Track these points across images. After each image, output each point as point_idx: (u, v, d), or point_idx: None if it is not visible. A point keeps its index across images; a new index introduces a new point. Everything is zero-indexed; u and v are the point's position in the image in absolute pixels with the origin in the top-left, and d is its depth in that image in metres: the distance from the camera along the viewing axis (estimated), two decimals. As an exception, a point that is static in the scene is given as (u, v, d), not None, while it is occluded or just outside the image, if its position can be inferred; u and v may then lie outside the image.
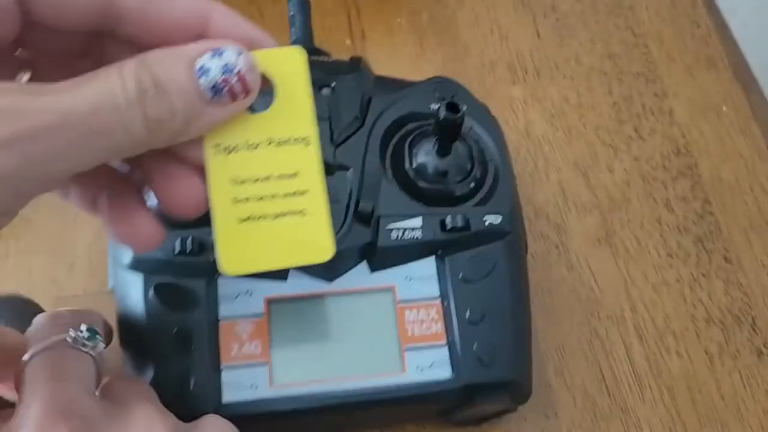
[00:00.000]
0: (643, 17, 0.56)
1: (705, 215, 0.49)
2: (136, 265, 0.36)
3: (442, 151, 0.39)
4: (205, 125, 0.25)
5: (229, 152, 0.26)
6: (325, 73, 0.40)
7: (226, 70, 0.24)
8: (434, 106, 0.40)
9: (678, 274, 0.47)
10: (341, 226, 0.36)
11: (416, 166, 0.39)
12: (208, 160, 0.26)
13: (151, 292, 0.35)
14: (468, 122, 0.40)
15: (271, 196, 0.26)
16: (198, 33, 0.25)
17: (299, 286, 0.37)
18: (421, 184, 0.38)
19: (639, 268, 0.47)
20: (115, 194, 0.27)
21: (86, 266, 0.45)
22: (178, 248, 0.35)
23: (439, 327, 0.36)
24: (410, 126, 0.40)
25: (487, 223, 0.38)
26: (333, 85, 0.40)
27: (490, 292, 0.37)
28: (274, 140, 0.26)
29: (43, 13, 0.24)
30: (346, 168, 0.38)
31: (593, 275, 0.47)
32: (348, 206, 0.37)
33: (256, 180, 0.26)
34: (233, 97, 0.25)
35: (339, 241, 0.35)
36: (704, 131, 0.52)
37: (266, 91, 0.27)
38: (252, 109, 0.26)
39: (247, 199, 0.26)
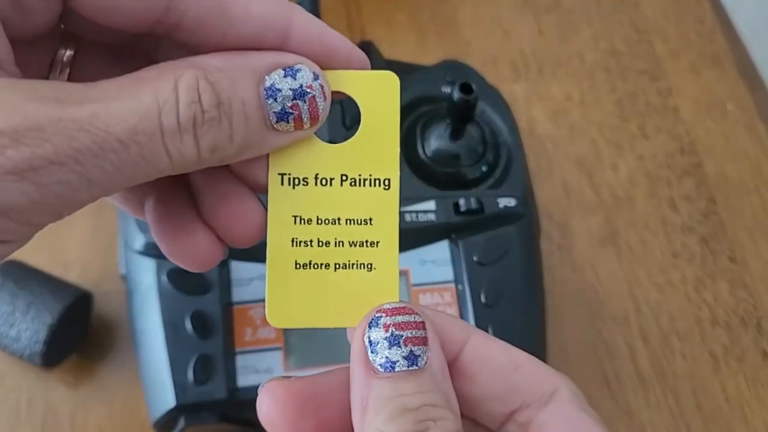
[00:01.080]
0: (647, 14, 0.56)
1: (710, 215, 0.48)
2: (149, 250, 0.36)
3: (455, 134, 0.39)
4: (257, 152, 0.21)
5: (296, 185, 0.22)
6: None
7: (299, 93, 0.21)
8: (446, 90, 0.41)
9: (683, 275, 0.46)
10: None
11: (429, 149, 0.39)
12: (270, 190, 0.22)
13: (164, 278, 0.35)
14: (480, 105, 0.40)
15: (337, 242, 0.23)
16: (276, 47, 0.21)
17: None
18: (434, 167, 0.39)
19: (643, 268, 0.46)
20: (165, 200, 0.23)
21: (80, 267, 0.45)
22: None
23: (453, 310, 0.37)
24: (422, 110, 0.41)
25: (500, 206, 0.38)
26: None
27: (505, 275, 0.37)
28: (350, 178, 0.23)
29: (85, 8, 0.20)
30: None
31: (597, 276, 0.46)
32: None
33: (323, 221, 0.23)
34: (298, 126, 0.21)
35: None
36: (709, 129, 0.51)
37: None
38: (330, 138, 0.23)
39: (308, 242, 0.23)
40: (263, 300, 0.37)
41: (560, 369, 0.45)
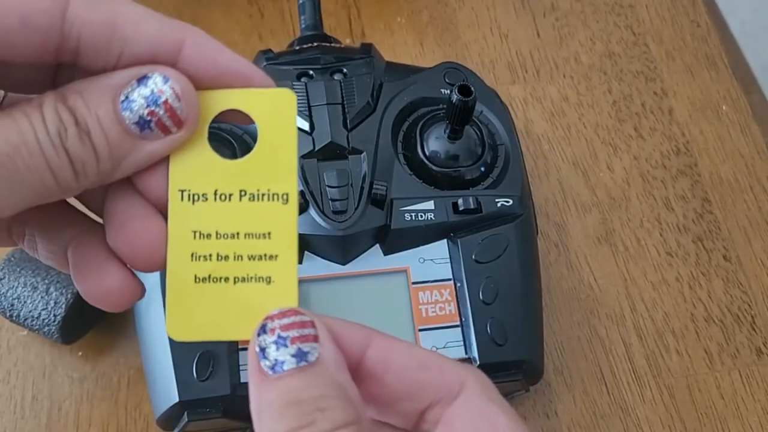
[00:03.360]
0: (643, 16, 0.56)
1: (705, 214, 0.49)
2: None
3: (454, 135, 0.39)
4: (139, 162, 0.22)
5: (195, 200, 0.23)
6: (337, 58, 0.41)
7: (152, 100, 0.21)
8: (445, 91, 0.42)
9: (677, 273, 0.47)
10: (355, 209, 0.37)
11: (428, 150, 0.40)
12: (170, 206, 0.23)
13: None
14: (478, 107, 0.41)
15: (236, 256, 0.23)
16: (169, 65, 0.22)
17: (314, 268, 0.37)
18: (433, 168, 0.39)
19: (639, 267, 0.47)
20: (83, 245, 0.24)
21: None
22: None
23: (452, 308, 0.37)
24: (421, 111, 0.41)
25: (498, 205, 0.39)
26: (345, 70, 0.41)
27: (502, 273, 0.38)
28: (249, 193, 0.23)
29: None
30: (359, 152, 0.39)
31: (593, 274, 0.47)
32: (362, 189, 0.37)
33: (222, 236, 0.23)
34: (164, 130, 0.22)
35: (353, 225, 0.37)
36: (704, 130, 0.52)
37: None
38: (229, 154, 0.24)
39: (207, 257, 0.23)
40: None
41: (556, 366, 0.46)
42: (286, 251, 0.23)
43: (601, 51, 0.55)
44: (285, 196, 0.23)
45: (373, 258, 0.38)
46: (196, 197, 0.23)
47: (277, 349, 0.21)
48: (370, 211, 0.37)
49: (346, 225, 0.37)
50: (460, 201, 0.38)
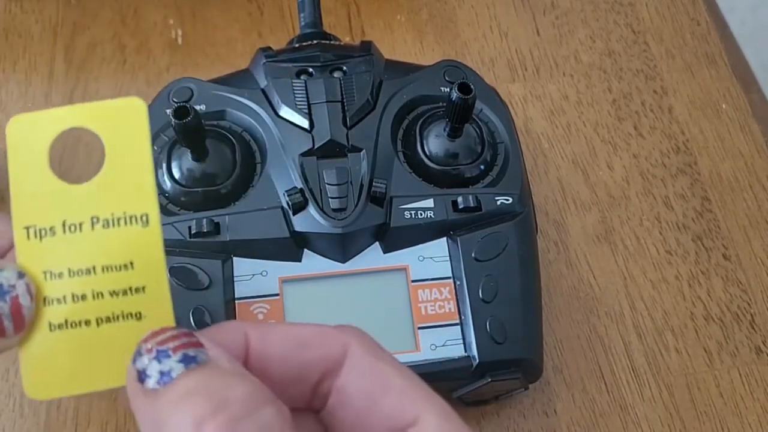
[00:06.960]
0: (643, 14, 0.56)
1: (704, 213, 0.49)
2: None
3: (453, 133, 0.39)
4: None
5: (43, 236, 0.20)
6: (336, 56, 0.41)
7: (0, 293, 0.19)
8: (445, 89, 0.41)
9: (677, 272, 0.47)
10: (354, 207, 0.37)
11: (427, 148, 0.40)
12: (17, 247, 0.20)
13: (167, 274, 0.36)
14: (478, 104, 0.41)
15: (95, 294, 0.20)
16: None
17: (313, 267, 0.37)
18: (432, 165, 0.39)
19: (638, 265, 0.47)
20: None
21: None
22: (193, 229, 0.36)
23: (451, 306, 0.37)
24: (421, 109, 0.41)
25: (498, 204, 0.39)
26: (345, 68, 0.40)
27: (502, 271, 0.38)
28: (102, 219, 0.20)
29: None
30: (358, 150, 0.39)
31: (592, 272, 0.47)
32: (361, 187, 0.37)
33: (75, 273, 0.20)
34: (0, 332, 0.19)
35: (352, 223, 0.37)
36: (704, 129, 0.52)
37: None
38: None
39: (61, 299, 0.20)
40: (265, 296, 0.37)
41: (556, 363, 0.46)
42: (154, 280, 0.21)
43: (601, 49, 0.55)
44: (144, 218, 0.21)
45: (373, 256, 0.38)
46: (43, 232, 0.20)
47: (160, 362, 0.18)
48: (370, 209, 0.37)
49: (346, 223, 0.37)
50: (459, 199, 0.38)
